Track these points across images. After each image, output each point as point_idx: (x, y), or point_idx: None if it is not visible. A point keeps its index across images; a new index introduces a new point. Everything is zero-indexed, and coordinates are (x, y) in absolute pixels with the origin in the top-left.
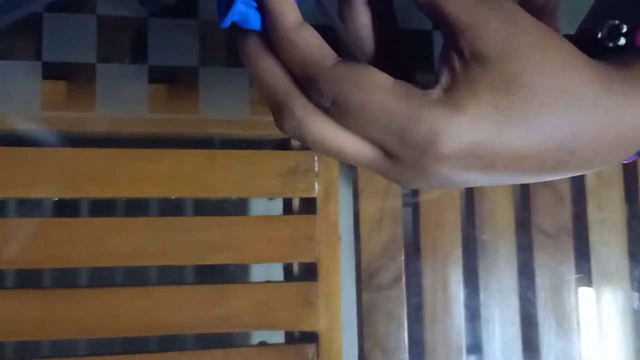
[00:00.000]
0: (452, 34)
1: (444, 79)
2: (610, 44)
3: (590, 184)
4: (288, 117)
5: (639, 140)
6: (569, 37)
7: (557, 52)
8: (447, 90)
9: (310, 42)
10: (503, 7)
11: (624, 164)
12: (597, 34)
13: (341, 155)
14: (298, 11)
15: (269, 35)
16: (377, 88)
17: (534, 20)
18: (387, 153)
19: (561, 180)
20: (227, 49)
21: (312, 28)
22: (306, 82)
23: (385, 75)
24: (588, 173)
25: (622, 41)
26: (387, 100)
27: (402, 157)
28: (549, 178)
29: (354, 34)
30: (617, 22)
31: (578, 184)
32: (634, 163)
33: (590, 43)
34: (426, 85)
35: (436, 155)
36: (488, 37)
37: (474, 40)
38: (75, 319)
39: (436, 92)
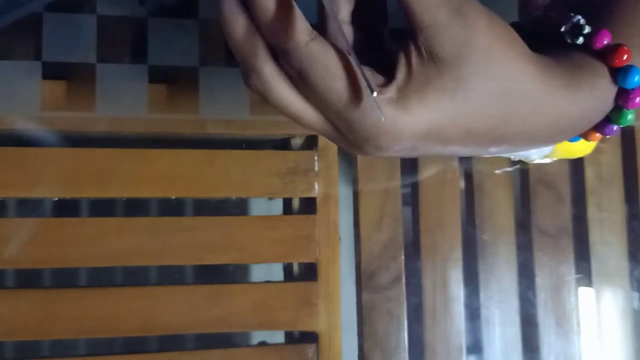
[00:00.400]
0: (413, 30)
1: (400, 74)
2: (569, 40)
3: (590, 184)
4: (254, 77)
5: (574, 127)
6: (518, 26)
7: (505, 57)
8: (400, 90)
9: (288, 13)
10: (464, 11)
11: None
12: (560, 27)
13: (298, 120)
14: None
15: None
16: (338, 77)
17: (492, 24)
18: (337, 129)
19: (562, 180)
20: (227, 49)
21: None
22: (279, 50)
23: (349, 65)
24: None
25: (581, 40)
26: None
27: (349, 137)
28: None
29: (339, 22)
30: (582, 20)
31: (578, 184)
32: (634, 163)
33: (548, 32)
34: (384, 70)
35: (377, 146)
36: (445, 40)
37: (432, 41)
38: (75, 319)
39: (390, 90)
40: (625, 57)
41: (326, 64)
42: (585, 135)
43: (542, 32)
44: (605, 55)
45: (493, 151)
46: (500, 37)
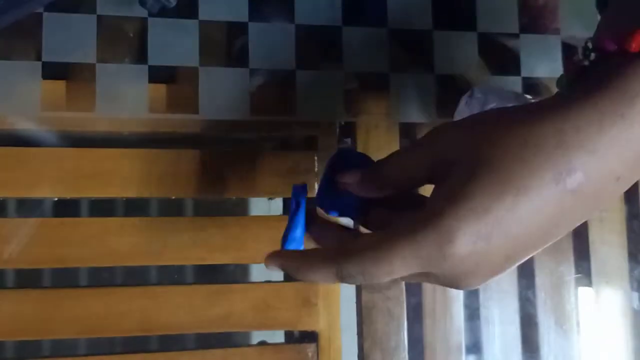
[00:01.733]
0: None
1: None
2: (586, 63)
3: None
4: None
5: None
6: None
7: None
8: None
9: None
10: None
11: None
12: (578, 58)
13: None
14: None
15: None
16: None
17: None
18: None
19: None
20: (227, 49)
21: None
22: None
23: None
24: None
25: (593, 56)
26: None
27: (435, 274)
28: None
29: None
30: (586, 42)
31: None
32: None
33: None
34: None
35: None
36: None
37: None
38: (76, 319)
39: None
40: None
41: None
42: None
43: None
44: (623, 44)
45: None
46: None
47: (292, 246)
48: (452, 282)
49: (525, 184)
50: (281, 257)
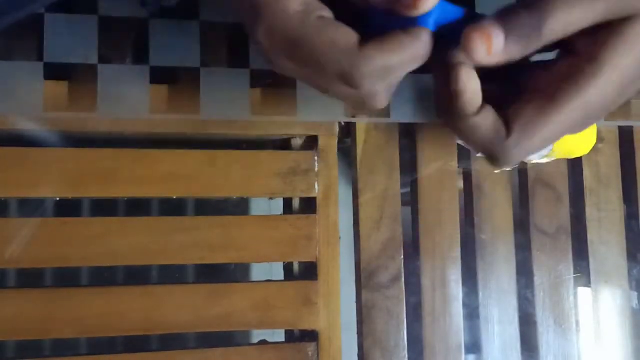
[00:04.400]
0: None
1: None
2: None
3: (588, 184)
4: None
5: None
6: None
7: None
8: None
9: None
10: None
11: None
12: None
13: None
14: None
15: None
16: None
17: None
18: None
19: (560, 180)
20: (228, 50)
21: None
22: None
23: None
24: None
25: None
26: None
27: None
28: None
29: None
30: None
31: (577, 183)
32: (632, 163)
33: None
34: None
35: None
36: None
37: None
38: (77, 319)
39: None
40: None
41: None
42: None
43: None
44: None
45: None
46: None
47: None
48: None
49: None
50: None
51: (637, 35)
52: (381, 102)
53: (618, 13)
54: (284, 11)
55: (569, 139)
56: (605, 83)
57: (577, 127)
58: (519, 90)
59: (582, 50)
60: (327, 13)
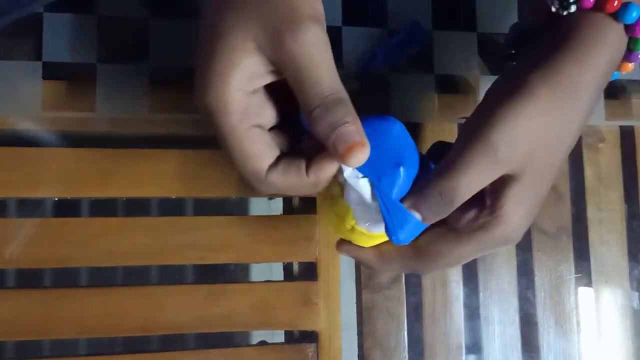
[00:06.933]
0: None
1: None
2: (564, 13)
3: (589, 184)
4: None
5: (608, 78)
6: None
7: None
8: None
9: None
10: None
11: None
12: (551, 8)
13: None
14: None
15: None
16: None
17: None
18: None
19: (561, 180)
20: None
21: None
22: None
23: None
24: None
25: (573, 8)
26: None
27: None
28: None
29: None
30: None
31: (577, 183)
32: (633, 163)
33: (548, 22)
34: None
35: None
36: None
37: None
38: (76, 319)
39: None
40: (616, 2)
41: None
42: (619, 69)
43: (541, 26)
44: (601, 6)
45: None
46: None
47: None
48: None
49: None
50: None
51: (523, 189)
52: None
53: (502, 174)
54: (223, 107)
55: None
56: (505, 231)
57: (477, 255)
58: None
59: (487, 202)
60: (264, 120)
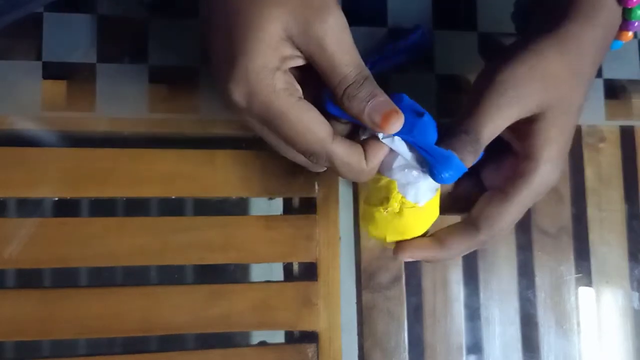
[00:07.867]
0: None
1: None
2: None
3: (590, 184)
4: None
5: (608, 44)
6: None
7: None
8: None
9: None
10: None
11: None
12: None
13: None
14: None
15: None
16: None
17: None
18: None
19: (561, 180)
20: None
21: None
22: None
23: None
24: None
25: None
26: None
27: None
28: None
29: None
30: None
31: (578, 184)
32: (634, 163)
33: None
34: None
35: None
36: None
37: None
38: (76, 319)
39: None
40: None
41: None
42: (620, 38)
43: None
44: None
45: None
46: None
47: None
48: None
49: None
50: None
51: (549, 126)
52: (321, 170)
53: (524, 114)
54: (270, 85)
55: (402, 224)
56: (543, 171)
57: (528, 207)
58: (479, 188)
59: (519, 150)
60: (301, 95)
